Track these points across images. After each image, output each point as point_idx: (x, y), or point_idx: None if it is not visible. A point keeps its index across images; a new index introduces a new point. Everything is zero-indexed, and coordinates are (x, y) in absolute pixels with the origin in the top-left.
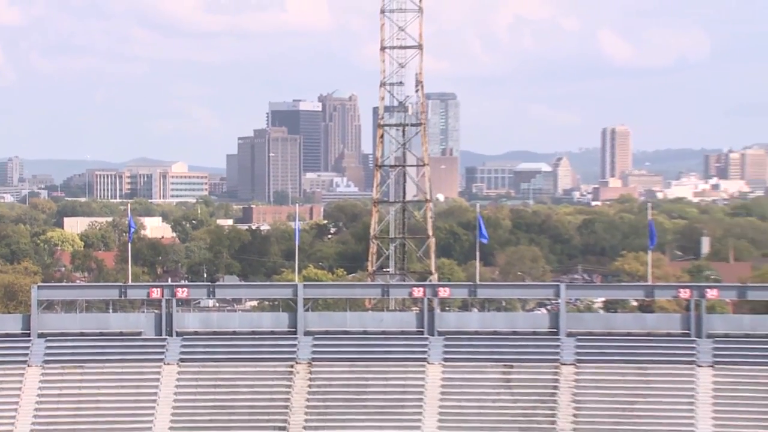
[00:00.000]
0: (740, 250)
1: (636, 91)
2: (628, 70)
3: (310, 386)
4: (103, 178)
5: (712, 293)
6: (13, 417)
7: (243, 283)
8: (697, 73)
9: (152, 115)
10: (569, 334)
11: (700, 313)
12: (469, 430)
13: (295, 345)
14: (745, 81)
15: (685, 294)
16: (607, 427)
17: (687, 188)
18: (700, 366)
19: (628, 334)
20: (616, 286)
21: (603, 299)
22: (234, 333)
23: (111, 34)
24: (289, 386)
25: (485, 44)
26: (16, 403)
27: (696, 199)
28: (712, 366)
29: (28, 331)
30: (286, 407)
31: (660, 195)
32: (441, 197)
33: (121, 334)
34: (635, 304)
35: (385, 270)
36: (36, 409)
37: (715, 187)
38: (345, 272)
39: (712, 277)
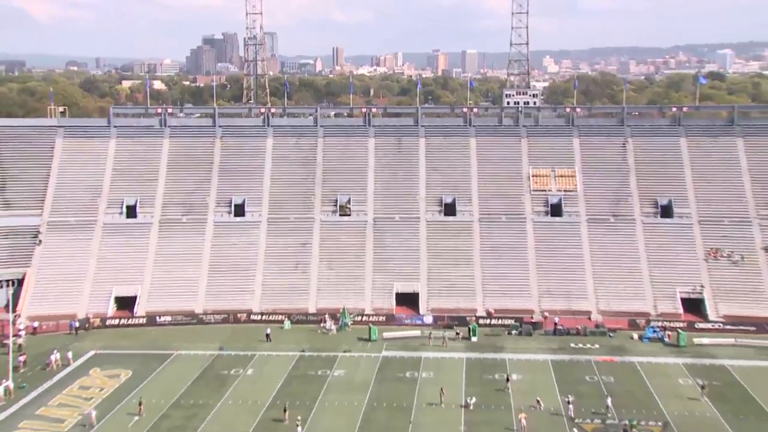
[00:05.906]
0: (384, 95)
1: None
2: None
3: (222, 149)
4: (137, 65)
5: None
6: (103, 164)
7: (196, 107)
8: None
9: (157, 37)
10: None
11: (369, 118)
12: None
13: (214, 130)
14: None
15: (364, 110)
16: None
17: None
18: (369, 138)
19: None
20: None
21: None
22: (189, 126)
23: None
24: (212, 149)
25: (289, 12)
26: (105, 154)
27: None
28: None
29: (108, 125)
30: (211, 161)
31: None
32: (271, 73)
33: (146, 126)
34: None
35: (250, 102)
36: (115, 154)
37: (375, 69)
38: (233, 103)
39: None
